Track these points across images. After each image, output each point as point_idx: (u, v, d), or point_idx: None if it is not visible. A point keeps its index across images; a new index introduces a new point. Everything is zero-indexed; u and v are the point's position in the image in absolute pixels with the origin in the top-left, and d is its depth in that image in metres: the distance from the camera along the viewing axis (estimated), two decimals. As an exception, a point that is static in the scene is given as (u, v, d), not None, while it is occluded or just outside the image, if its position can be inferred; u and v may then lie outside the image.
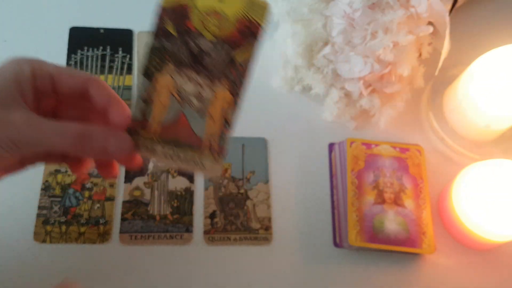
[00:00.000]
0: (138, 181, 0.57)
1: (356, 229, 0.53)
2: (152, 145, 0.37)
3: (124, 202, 0.56)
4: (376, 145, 0.58)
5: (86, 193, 0.55)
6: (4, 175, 0.39)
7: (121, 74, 0.63)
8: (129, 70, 0.63)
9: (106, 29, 0.65)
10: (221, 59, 0.36)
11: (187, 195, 0.57)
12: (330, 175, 0.59)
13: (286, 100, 0.63)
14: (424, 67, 0.59)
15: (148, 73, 0.37)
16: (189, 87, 0.37)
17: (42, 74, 0.36)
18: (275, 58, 0.63)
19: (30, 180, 0.56)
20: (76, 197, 0.55)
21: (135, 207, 0.56)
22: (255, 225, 0.56)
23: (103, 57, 0.63)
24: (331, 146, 0.61)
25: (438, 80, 0.64)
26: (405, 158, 0.57)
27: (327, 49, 0.58)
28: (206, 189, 0.57)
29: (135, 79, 0.62)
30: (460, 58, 0.64)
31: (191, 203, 0.56)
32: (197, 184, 0.57)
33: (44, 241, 0.53)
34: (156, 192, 0.57)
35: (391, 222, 0.54)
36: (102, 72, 0.62)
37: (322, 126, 0.62)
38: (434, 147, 0.62)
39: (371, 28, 0.53)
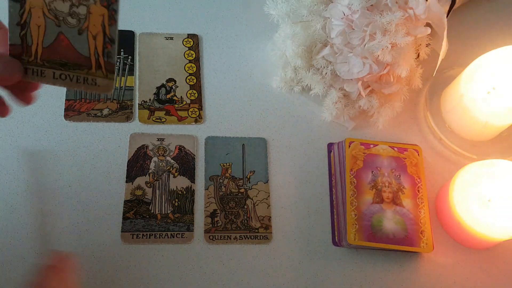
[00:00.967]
0: (140, 180, 0.57)
1: (355, 228, 0.54)
2: (40, 68, 0.37)
3: (126, 201, 0.56)
4: (375, 145, 0.58)
5: None
6: None
7: (122, 75, 0.63)
8: (131, 71, 0.63)
9: (107, 31, 0.65)
10: None
11: (188, 194, 0.57)
12: (329, 174, 0.60)
13: (285, 101, 0.64)
14: (422, 68, 0.60)
15: None
16: (60, 5, 0.36)
17: None
18: (274, 59, 0.63)
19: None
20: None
21: (136, 206, 0.56)
22: (255, 224, 0.57)
23: (105, 58, 0.64)
24: (330, 146, 0.61)
25: (436, 80, 0.64)
26: (403, 158, 0.58)
27: (326, 50, 0.58)
28: (206, 188, 0.58)
29: (137, 80, 0.63)
30: (458, 59, 0.65)
31: (192, 202, 0.57)
32: (198, 183, 0.58)
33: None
34: (157, 192, 0.57)
35: (390, 221, 0.54)
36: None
37: (321, 126, 0.62)
38: (432, 147, 0.62)
39: (370, 29, 0.54)
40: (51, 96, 0.60)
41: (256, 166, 0.59)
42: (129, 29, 0.66)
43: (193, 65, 0.65)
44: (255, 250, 0.55)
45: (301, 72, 0.61)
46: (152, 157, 0.59)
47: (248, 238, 0.56)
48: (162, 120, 0.61)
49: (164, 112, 0.61)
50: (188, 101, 0.62)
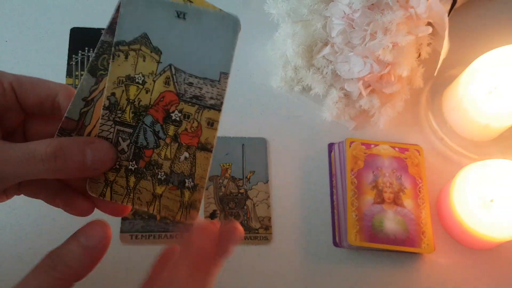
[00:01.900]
0: (139, 181, 0.57)
1: (356, 228, 0.53)
2: None
3: (125, 202, 0.56)
4: (376, 145, 0.58)
5: (171, 129, 0.34)
6: None
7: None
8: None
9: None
10: None
11: (188, 195, 0.57)
12: (330, 175, 0.60)
13: (286, 100, 0.63)
14: (423, 67, 0.60)
15: (95, 71, 0.34)
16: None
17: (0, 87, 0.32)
18: (275, 59, 0.63)
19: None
20: (156, 133, 0.34)
21: (135, 207, 0.56)
22: (255, 224, 0.56)
23: (104, 57, 0.63)
24: (330, 146, 0.61)
25: (437, 80, 0.64)
26: (405, 158, 0.58)
27: (326, 50, 0.58)
28: (206, 188, 0.57)
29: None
30: (459, 59, 0.64)
31: (191, 202, 0.57)
32: (198, 184, 0.58)
33: (102, 194, 0.35)
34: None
35: (391, 222, 0.54)
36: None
37: (322, 126, 0.62)
38: (433, 147, 0.62)
39: (371, 28, 0.53)
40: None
41: (256, 166, 0.59)
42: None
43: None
44: (255, 250, 0.55)
45: (301, 72, 0.61)
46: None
47: (248, 239, 0.55)
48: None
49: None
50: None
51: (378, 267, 0.55)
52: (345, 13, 0.55)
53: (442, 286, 0.55)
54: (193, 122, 0.34)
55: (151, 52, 0.33)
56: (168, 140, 0.34)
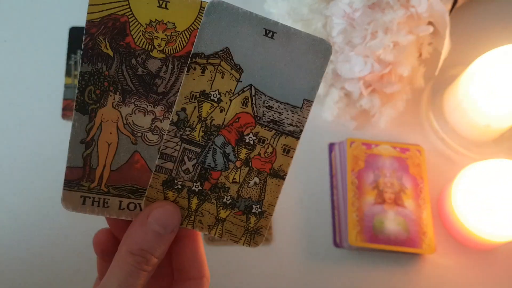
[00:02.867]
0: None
1: (356, 229, 0.53)
2: (103, 197, 0.31)
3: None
4: (376, 145, 0.58)
5: (243, 152, 0.33)
6: None
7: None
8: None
9: (106, 29, 0.65)
10: (175, 80, 0.31)
11: (187, 195, 0.57)
12: (330, 175, 0.59)
13: (286, 100, 0.63)
14: (424, 67, 0.59)
15: (85, 107, 0.30)
16: (140, 119, 0.31)
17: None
18: (275, 58, 0.63)
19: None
20: (227, 155, 0.32)
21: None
22: (255, 225, 0.56)
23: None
24: (331, 146, 0.61)
25: (438, 80, 0.64)
26: (405, 158, 0.57)
27: (327, 49, 0.58)
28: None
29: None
30: (460, 58, 0.64)
31: (191, 203, 0.56)
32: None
33: None
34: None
35: (391, 222, 0.54)
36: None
37: (322, 126, 0.62)
38: (434, 147, 0.62)
39: (371, 28, 0.53)
40: (49, 95, 0.60)
41: (256, 166, 0.59)
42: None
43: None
44: (256, 251, 0.55)
45: (301, 71, 0.60)
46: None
47: (248, 239, 0.55)
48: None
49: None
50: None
51: (378, 267, 0.55)
52: (345, 12, 0.55)
53: (443, 286, 0.55)
54: (268, 148, 0.32)
55: (231, 69, 0.31)
56: (238, 164, 0.32)
